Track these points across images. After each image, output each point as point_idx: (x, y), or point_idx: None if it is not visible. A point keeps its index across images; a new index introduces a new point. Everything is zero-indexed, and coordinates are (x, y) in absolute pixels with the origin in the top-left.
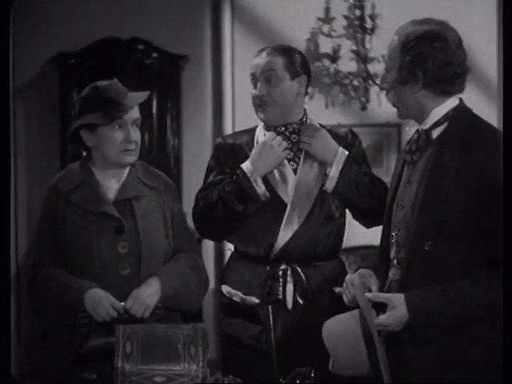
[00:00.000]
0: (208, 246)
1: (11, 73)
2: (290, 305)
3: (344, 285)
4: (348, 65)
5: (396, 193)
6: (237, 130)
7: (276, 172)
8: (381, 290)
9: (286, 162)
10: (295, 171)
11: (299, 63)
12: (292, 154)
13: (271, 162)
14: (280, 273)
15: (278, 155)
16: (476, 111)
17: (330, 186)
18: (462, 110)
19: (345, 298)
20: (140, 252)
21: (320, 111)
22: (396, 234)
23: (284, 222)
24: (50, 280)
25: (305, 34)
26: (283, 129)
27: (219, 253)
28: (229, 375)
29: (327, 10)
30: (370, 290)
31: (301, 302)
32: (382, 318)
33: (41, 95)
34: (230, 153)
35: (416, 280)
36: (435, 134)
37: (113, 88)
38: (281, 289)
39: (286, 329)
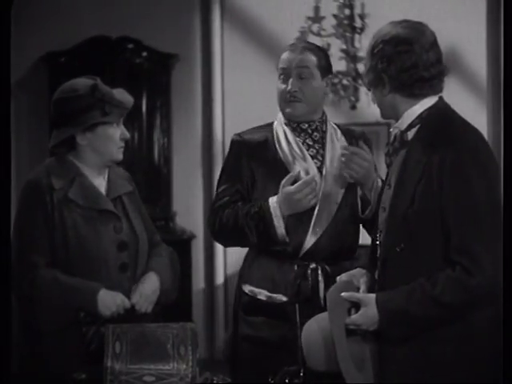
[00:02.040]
0: (198, 243)
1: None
2: (322, 302)
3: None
4: (337, 64)
5: (380, 195)
6: (227, 129)
7: (302, 171)
8: (371, 289)
9: (310, 159)
10: (319, 169)
11: (328, 63)
12: (315, 151)
13: (297, 210)
14: (309, 271)
15: (304, 206)
16: (465, 111)
17: (369, 213)
18: (436, 111)
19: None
20: (137, 249)
21: None
22: (379, 236)
23: (313, 220)
24: (53, 283)
25: (294, 33)
26: (306, 125)
27: (209, 250)
28: (218, 375)
29: (317, 9)
30: (358, 289)
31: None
32: (354, 317)
33: (30, 94)
34: (249, 149)
35: (391, 281)
36: (410, 135)
37: (105, 86)
38: (310, 287)
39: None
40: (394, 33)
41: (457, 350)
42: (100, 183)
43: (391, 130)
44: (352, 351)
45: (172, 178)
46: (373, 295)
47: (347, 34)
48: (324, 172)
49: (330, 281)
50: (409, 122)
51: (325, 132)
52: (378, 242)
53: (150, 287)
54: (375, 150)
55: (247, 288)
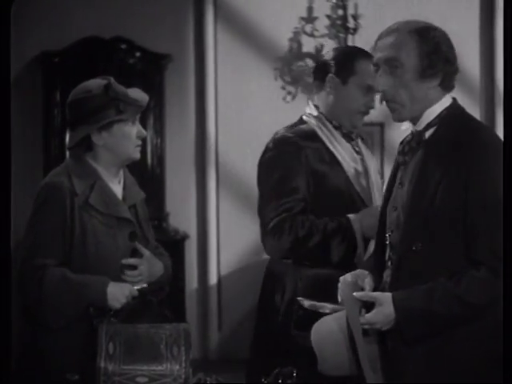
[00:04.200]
0: (191, 244)
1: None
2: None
3: (339, 284)
4: None
5: (390, 194)
6: (220, 129)
7: (359, 176)
8: (375, 290)
9: (356, 156)
10: (366, 175)
11: None
12: (360, 158)
13: (372, 236)
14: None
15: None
16: None
17: None
18: (453, 111)
19: (339, 297)
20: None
21: (303, 111)
22: (389, 236)
23: None
24: (62, 280)
25: (288, 33)
26: (350, 133)
27: (202, 251)
28: (212, 375)
29: (310, 9)
30: (362, 290)
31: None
32: (368, 315)
33: (24, 94)
34: (308, 152)
35: (406, 281)
36: (427, 135)
37: (119, 86)
38: None
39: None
40: (426, 24)
41: (473, 349)
42: (117, 189)
43: (404, 127)
44: (367, 352)
45: (165, 178)
46: (388, 294)
47: (340, 35)
48: (372, 177)
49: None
50: (428, 121)
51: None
52: (387, 242)
53: (155, 261)
54: (370, 150)
55: (307, 303)
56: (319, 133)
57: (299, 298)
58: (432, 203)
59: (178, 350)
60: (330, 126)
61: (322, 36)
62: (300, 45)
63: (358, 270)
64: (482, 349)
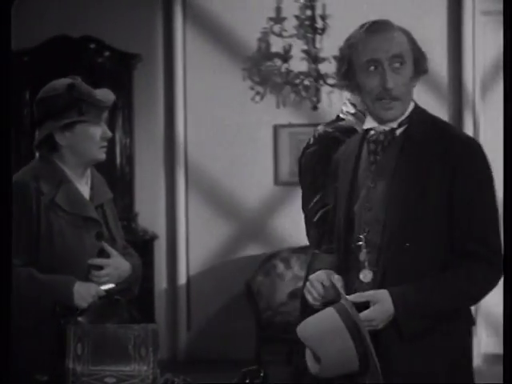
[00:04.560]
0: (160, 244)
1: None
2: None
3: (308, 284)
4: (299, 65)
5: (351, 195)
6: (189, 129)
7: None
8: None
9: None
10: None
11: None
12: None
13: None
14: None
15: None
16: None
17: None
18: (419, 109)
19: (310, 297)
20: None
21: (271, 111)
22: (365, 236)
23: None
24: (28, 280)
25: (256, 33)
26: None
27: (171, 251)
28: (179, 376)
29: (278, 9)
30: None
31: None
32: (366, 312)
33: None
34: (344, 142)
35: (393, 279)
36: (398, 133)
37: (84, 85)
38: None
39: None
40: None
41: (467, 343)
42: (84, 189)
43: (366, 126)
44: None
45: (134, 178)
46: (383, 291)
47: (309, 35)
48: None
49: None
50: (401, 119)
51: None
52: (361, 243)
53: (122, 261)
54: None
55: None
56: (358, 129)
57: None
58: (418, 201)
59: (146, 351)
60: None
61: (291, 36)
62: (268, 45)
63: (325, 270)
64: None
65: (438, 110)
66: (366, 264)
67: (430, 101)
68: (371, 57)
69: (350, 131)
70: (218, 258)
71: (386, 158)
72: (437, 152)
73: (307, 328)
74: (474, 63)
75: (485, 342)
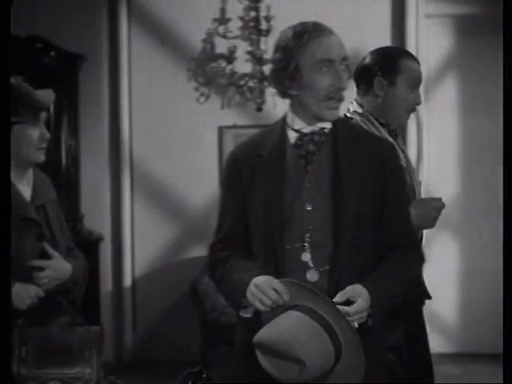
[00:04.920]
0: (106, 245)
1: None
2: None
3: (255, 289)
4: (243, 66)
5: (282, 196)
6: (134, 130)
7: (410, 169)
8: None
9: (401, 154)
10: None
11: None
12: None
13: (421, 225)
14: None
15: (428, 225)
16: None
17: None
18: None
19: (260, 304)
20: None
21: (216, 112)
22: (310, 236)
23: None
24: None
25: (201, 34)
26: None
27: (117, 252)
28: (123, 378)
29: (223, 11)
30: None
31: None
32: (356, 306)
33: None
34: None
35: (342, 276)
36: (327, 132)
37: (24, 85)
38: None
39: None
40: None
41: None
42: (24, 189)
43: (298, 126)
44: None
45: (80, 179)
46: (358, 285)
47: (253, 36)
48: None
49: None
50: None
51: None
52: (305, 244)
53: (63, 263)
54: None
55: None
56: (373, 129)
57: None
58: (359, 199)
59: (90, 353)
60: (376, 124)
61: (235, 37)
62: (213, 46)
63: (265, 277)
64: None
65: None
66: (311, 264)
67: None
68: (325, 57)
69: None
70: (164, 259)
71: (321, 158)
72: (364, 151)
73: (279, 335)
74: None
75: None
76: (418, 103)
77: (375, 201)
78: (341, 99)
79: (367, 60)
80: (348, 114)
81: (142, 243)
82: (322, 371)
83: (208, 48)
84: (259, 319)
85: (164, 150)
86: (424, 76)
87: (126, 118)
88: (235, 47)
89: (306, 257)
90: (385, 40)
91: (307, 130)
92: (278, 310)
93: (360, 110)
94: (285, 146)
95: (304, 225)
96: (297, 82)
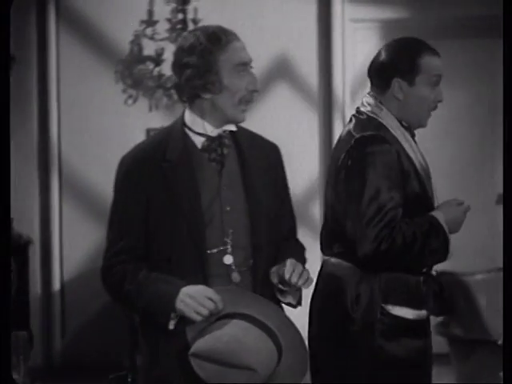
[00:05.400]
0: (35, 249)
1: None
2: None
3: (190, 300)
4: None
5: (199, 197)
6: (63, 133)
7: (428, 178)
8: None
9: (419, 155)
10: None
11: None
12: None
13: (451, 230)
14: (431, 279)
15: (456, 230)
16: (298, 116)
17: None
18: None
19: (196, 315)
20: None
21: (143, 115)
22: (231, 239)
23: None
24: None
25: (129, 36)
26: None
27: (46, 256)
28: (51, 382)
29: (150, 12)
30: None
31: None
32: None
33: None
34: (395, 152)
35: (261, 275)
36: (226, 136)
37: None
38: (435, 295)
39: None
40: None
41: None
42: None
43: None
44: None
45: (8, 182)
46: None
47: None
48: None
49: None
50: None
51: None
52: (228, 246)
53: None
54: None
55: (392, 309)
56: (394, 133)
57: (383, 305)
58: (270, 200)
59: (17, 359)
60: (396, 123)
61: (163, 39)
62: (141, 48)
63: (201, 286)
64: None
65: (309, 115)
66: (233, 266)
67: (300, 106)
68: (242, 60)
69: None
70: (93, 262)
71: (230, 161)
72: (260, 152)
73: (227, 345)
74: (343, 69)
75: None
76: (440, 100)
77: (276, 199)
78: (252, 101)
79: (383, 57)
80: (362, 108)
81: (71, 246)
82: (269, 373)
83: (136, 50)
84: (183, 328)
85: (93, 152)
86: (350, 79)
87: (54, 120)
88: (163, 49)
89: (229, 259)
90: (311, 44)
91: (214, 133)
92: (209, 318)
93: (381, 107)
94: (192, 150)
95: (225, 228)
96: (214, 85)
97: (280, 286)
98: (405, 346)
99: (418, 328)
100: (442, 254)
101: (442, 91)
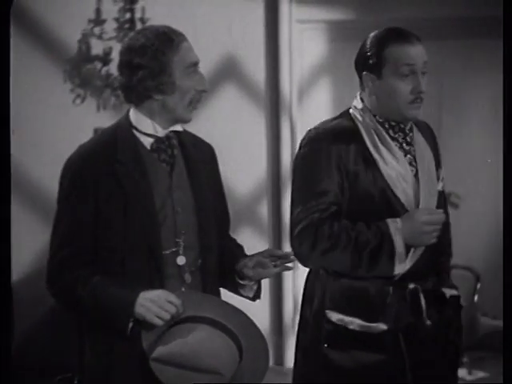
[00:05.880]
0: None
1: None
2: (422, 329)
3: (151, 305)
4: None
5: (152, 198)
6: (16, 132)
7: (399, 179)
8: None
9: (407, 166)
10: (415, 176)
11: None
12: (411, 157)
13: (415, 243)
14: (409, 293)
15: (425, 242)
16: (245, 115)
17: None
18: None
19: (157, 320)
20: None
21: (91, 114)
22: (183, 240)
23: None
24: None
25: (77, 35)
26: (403, 125)
27: None
28: None
29: (98, 11)
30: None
31: (429, 323)
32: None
33: None
34: (339, 148)
35: (209, 275)
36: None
37: None
38: (411, 311)
39: (418, 357)
40: None
41: None
42: None
43: (159, 130)
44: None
45: None
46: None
47: None
48: (420, 180)
49: (431, 301)
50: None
51: (413, 132)
52: (180, 248)
53: None
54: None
55: (336, 317)
56: (361, 129)
57: (328, 311)
58: (215, 200)
59: None
60: (374, 121)
61: (111, 39)
62: (89, 47)
63: (161, 290)
64: None
65: (256, 116)
66: (186, 267)
67: (247, 107)
68: (192, 60)
69: (349, 132)
70: (42, 263)
71: (178, 162)
72: (200, 152)
73: (193, 349)
74: (290, 70)
75: None
76: (420, 91)
77: (218, 198)
78: (200, 101)
79: (358, 51)
80: (350, 110)
81: (18, 247)
82: (231, 376)
83: (84, 49)
84: (138, 332)
85: (41, 152)
86: (297, 80)
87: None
88: (111, 48)
89: (182, 260)
90: (258, 45)
91: (162, 134)
92: (167, 322)
93: (360, 105)
94: (142, 151)
95: (177, 229)
96: (167, 86)
97: (239, 281)
98: (354, 357)
99: (370, 341)
100: (387, 262)
101: (422, 81)
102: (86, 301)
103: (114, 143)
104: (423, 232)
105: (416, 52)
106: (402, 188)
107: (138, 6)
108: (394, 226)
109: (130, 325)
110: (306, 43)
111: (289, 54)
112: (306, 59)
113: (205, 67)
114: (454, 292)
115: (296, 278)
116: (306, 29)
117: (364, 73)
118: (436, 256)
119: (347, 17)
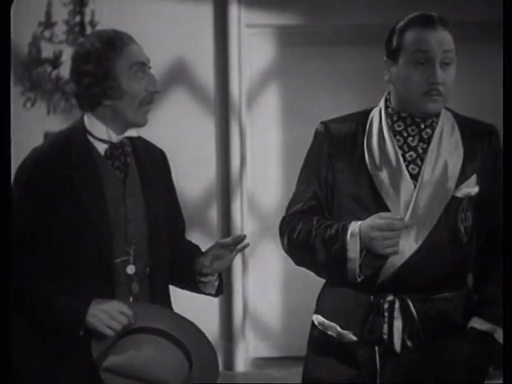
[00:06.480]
0: None
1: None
2: (397, 347)
3: (103, 315)
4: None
5: (106, 206)
6: None
7: (386, 176)
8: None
9: (403, 164)
10: (415, 177)
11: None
12: (415, 155)
13: (370, 249)
14: (385, 305)
15: (378, 251)
16: (194, 121)
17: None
18: None
19: (108, 330)
20: None
21: (42, 118)
22: (133, 249)
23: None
24: None
25: (28, 37)
26: (420, 119)
27: None
28: None
29: (48, 14)
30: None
31: (409, 344)
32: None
33: None
34: (332, 144)
35: (158, 284)
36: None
37: None
38: (386, 326)
39: (394, 376)
40: None
41: None
42: None
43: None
44: None
45: None
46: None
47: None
48: (420, 181)
49: (410, 318)
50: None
51: (434, 128)
52: (130, 257)
53: None
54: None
55: (318, 320)
56: (366, 130)
57: (314, 315)
58: (168, 208)
59: None
60: (384, 114)
61: (61, 42)
62: (39, 50)
63: (113, 300)
64: None
65: (205, 121)
66: (134, 276)
67: (196, 110)
68: (139, 61)
69: (348, 138)
70: None
71: (131, 169)
72: (155, 159)
73: (145, 361)
74: (240, 74)
75: (253, 345)
76: (434, 82)
77: (170, 204)
78: (152, 103)
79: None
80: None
81: None
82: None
83: (34, 52)
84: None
85: None
86: (246, 85)
87: None
88: (61, 52)
89: (132, 269)
90: (207, 49)
91: (116, 140)
92: (118, 332)
93: (381, 102)
94: (96, 157)
95: (128, 238)
96: (114, 90)
97: (201, 278)
98: (329, 368)
99: (346, 352)
100: (342, 266)
101: (438, 71)
102: (37, 308)
103: (69, 149)
104: (371, 238)
105: (435, 38)
106: (388, 192)
107: (87, 9)
108: (352, 229)
109: (81, 333)
110: (255, 48)
111: (238, 59)
112: (255, 63)
113: (154, 71)
114: (478, 325)
115: (245, 280)
116: (255, 33)
117: (385, 58)
118: (429, 271)
119: (296, 22)
